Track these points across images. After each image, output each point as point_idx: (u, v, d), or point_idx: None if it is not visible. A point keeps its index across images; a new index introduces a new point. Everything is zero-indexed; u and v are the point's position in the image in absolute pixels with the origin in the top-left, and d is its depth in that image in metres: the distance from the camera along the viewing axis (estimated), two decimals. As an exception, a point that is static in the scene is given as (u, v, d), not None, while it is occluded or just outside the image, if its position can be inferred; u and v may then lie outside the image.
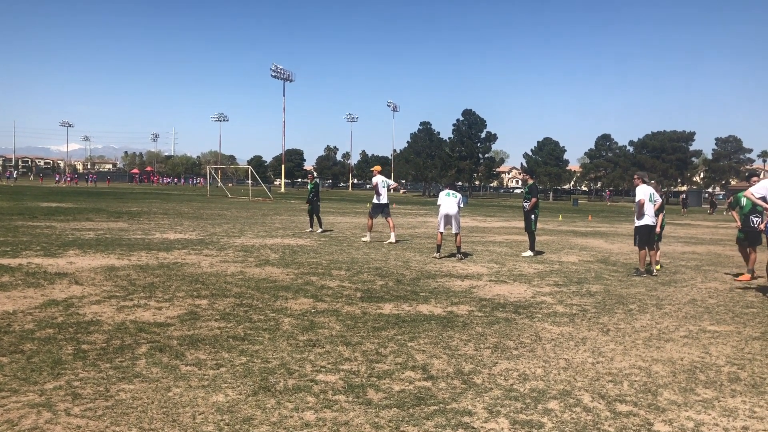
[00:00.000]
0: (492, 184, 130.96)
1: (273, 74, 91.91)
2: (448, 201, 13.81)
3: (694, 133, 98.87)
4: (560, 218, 34.96)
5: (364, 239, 16.82)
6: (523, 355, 5.83)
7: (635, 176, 12.46)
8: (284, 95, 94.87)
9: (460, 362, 5.52)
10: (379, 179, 16.92)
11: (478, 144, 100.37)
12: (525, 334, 6.61)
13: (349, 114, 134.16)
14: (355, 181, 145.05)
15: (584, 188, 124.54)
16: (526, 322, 7.26)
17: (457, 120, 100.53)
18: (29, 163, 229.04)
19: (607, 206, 75.52)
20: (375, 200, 16.90)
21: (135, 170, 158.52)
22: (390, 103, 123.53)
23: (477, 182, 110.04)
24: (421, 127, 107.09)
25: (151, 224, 20.57)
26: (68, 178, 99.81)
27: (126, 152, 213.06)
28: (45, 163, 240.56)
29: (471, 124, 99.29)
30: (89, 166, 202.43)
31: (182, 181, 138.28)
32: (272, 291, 8.68)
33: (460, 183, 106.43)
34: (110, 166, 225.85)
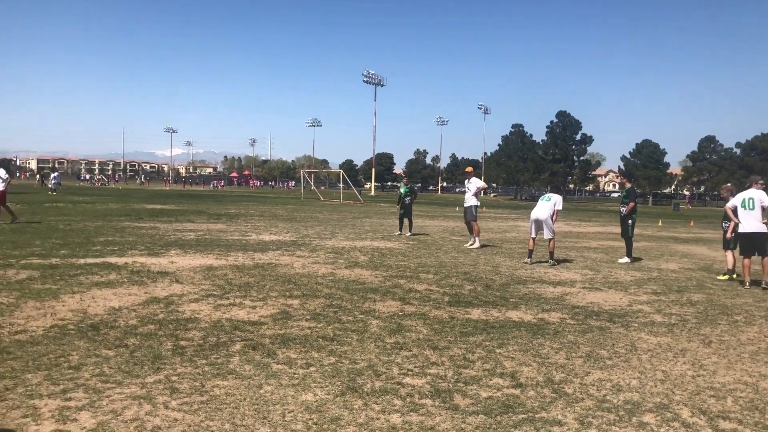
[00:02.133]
0: (587, 188, 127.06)
1: (365, 79, 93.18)
2: (541, 205, 13.46)
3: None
4: (660, 223, 33.49)
5: (472, 246, 16.20)
6: (618, 365, 5.61)
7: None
8: (375, 100, 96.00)
9: (550, 371, 5.38)
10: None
11: (573, 146, 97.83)
12: (620, 344, 6.37)
13: (440, 117, 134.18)
14: (444, 184, 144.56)
15: (686, 192, 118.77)
16: (621, 331, 6.98)
17: (551, 122, 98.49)
18: (136, 166, 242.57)
19: (687, 210, 71.63)
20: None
21: (234, 174, 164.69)
22: (481, 105, 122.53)
23: (571, 186, 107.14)
24: (512, 130, 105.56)
25: (248, 226, 21.28)
26: (168, 179, 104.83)
27: (225, 156, 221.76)
28: (150, 167, 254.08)
29: (565, 126, 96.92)
30: (191, 170, 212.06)
31: (279, 184, 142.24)
32: (361, 293, 8.77)
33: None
34: (210, 170, 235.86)
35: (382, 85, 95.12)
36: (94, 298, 7.84)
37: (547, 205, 13.35)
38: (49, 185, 49.61)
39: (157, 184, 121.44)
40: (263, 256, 12.64)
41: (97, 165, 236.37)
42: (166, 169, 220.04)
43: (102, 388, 4.55)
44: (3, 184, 18.70)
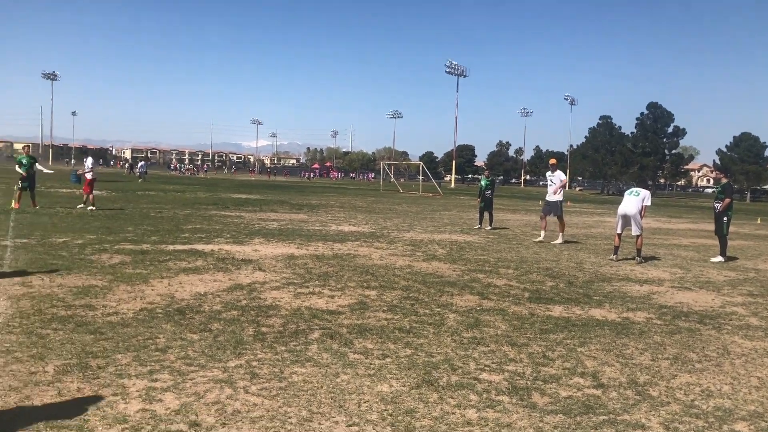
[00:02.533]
0: (679, 183, 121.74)
1: (447, 70, 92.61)
2: (629, 200, 12.91)
3: None
4: (758, 221, 31.69)
5: (555, 242, 15.87)
6: (708, 369, 5.33)
7: None
8: (457, 91, 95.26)
9: (634, 372, 5.17)
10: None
11: (664, 139, 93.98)
12: (710, 347, 6.05)
13: (524, 108, 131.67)
14: (527, 177, 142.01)
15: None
16: (713, 333, 6.64)
17: (641, 114, 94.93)
18: (224, 157, 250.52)
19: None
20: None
21: (315, 165, 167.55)
22: (567, 96, 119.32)
23: (662, 180, 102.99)
24: (600, 122, 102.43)
25: (328, 216, 21.60)
26: (266, 170, 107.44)
27: (308, 148, 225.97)
28: (237, 158, 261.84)
29: (656, 118, 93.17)
30: (276, 161, 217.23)
31: (360, 176, 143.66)
32: (438, 286, 8.73)
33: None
34: (294, 161, 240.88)
35: (465, 76, 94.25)
36: (181, 283, 8.14)
37: (636, 200, 12.80)
38: (137, 173, 52.65)
39: (243, 174, 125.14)
40: (342, 247, 12.78)
41: (186, 155, 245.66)
42: (251, 159, 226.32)
43: (186, 370, 4.71)
44: (91, 173, 19.75)
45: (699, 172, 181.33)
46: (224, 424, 3.78)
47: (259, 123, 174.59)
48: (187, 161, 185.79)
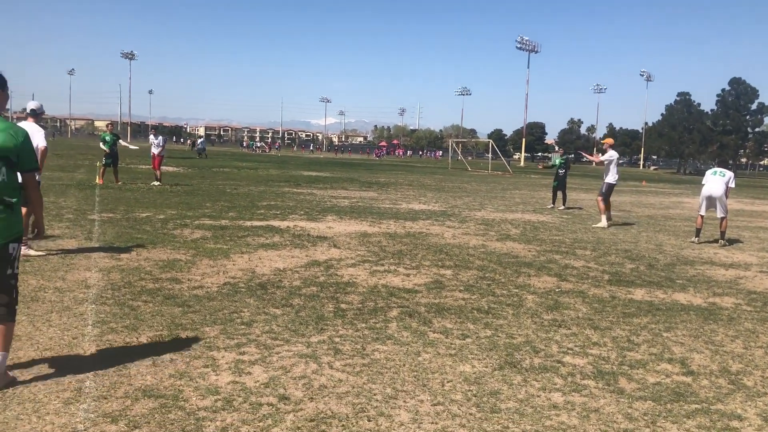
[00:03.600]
0: (762, 163, 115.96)
1: (518, 46, 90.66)
2: (714, 181, 12.33)
3: None
4: None
5: (599, 225, 14.28)
6: (807, 360, 5.08)
7: None
8: (528, 67, 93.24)
9: (725, 360, 4.98)
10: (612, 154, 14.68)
11: (747, 116, 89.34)
12: (808, 337, 5.76)
13: (597, 85, 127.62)
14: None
15: None
16: (809, 322, 6.31)
17: (722, 90, 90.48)
18: (293, 135, 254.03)
19: None
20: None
21: (383, 143, 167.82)
22: (643, 72, 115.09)
23: (743, 159, 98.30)
24: (678, 98, 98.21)
25: (398, 195, 21.63)
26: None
27: (375, 126, 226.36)
28: (306, 136, 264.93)
29: (739, 95, 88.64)
30: (344, 139, 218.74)
31: (427, 154, 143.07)
32: (514, 266, 8.62)
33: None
34: (361, 138, 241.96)
35: (537, 52, 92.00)
36: (260, 258, 8.33)
37: (721, 180, 12.22)
38: (196, 150, 54.84)
39: (309, 151, 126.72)
40: (414, 225, 12.78)
41: (258, 132, 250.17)
42: (320, 137, 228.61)
43: (272, 344, 4.82)
44: (158, 148, 20.57)
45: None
46: (312, 398, 3.86)
47: (328, 101, 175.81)
48: (258, 139, 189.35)
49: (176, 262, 7.78)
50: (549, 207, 18.89)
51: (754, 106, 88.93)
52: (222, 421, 3.49)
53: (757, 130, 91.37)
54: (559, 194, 18.95)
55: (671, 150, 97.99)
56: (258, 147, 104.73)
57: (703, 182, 12.57)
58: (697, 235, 12.44)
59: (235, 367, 4.30)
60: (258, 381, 4.09)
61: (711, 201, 12.23)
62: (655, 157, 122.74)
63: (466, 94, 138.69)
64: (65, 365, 4.18)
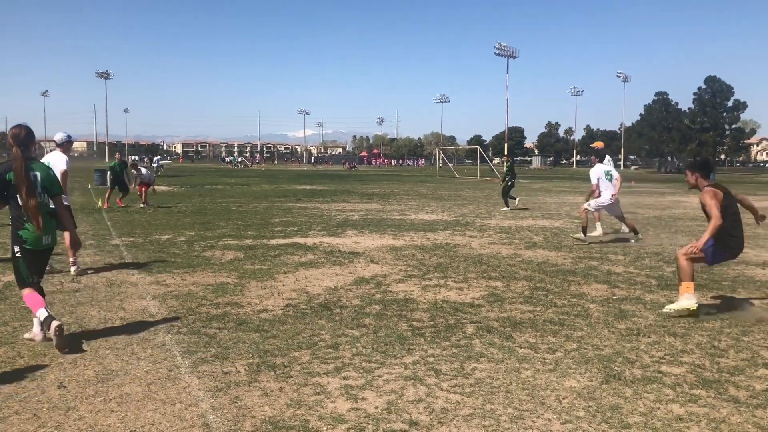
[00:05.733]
0: (739, 159, 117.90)
1: (497, 52, 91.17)
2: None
3: None
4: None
5: (594, 234, 12.75)
6: None
7: None
8: (507, 72, 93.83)
9: (818, 362, 5.01)
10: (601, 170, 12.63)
11: (724, 113, 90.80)
12: None
13: (574, 87, 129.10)
14: (579, 157, 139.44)
15: None
16: None
17: (699, 88, 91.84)
18: (272, 148, 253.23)
19: None
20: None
21: (363, 153, 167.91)
22: (620, 73, 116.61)
23: (722, 156, 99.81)
24: (656, 98, 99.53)
25: (401, 205, 21.63)
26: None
27: (354, 136, 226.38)
28: (285, 148, 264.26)
29: (715, 92, 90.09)
30: (323, 150, 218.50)
31: (408, 162, 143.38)
32: (559, 275, 8.63)
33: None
34: (341, 149, 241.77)
35: (515, 57, 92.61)
36: (306, 278, 8.25)
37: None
38: (153, 166, 50.81)
39: (289, 164, 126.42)
40: (436, 236, 12.77)
41: (236, 147, 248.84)
42: (299, 149, 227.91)
43: (369, 367, 4.76)
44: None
45: (758, 146, 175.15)
46: (441, 422, 3.81)
47: (307, 113, 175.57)
48: (236, 153, 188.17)
49: (225, 286, 7.69)
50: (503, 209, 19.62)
51: (730, 103, 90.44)
52: (365, 452, 3.43)
53: (734, 126, 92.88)
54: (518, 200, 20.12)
55: (652, 149, 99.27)
56: (240, 162, 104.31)
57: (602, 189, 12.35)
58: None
59: (347, 393, 4.24)
60: (377, 407, 4.03)
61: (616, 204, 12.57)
62: (633, 157, 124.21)
63: (445, 102, 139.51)
64: (176, 400, 4.09)
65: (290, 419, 3.82)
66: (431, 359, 4.98)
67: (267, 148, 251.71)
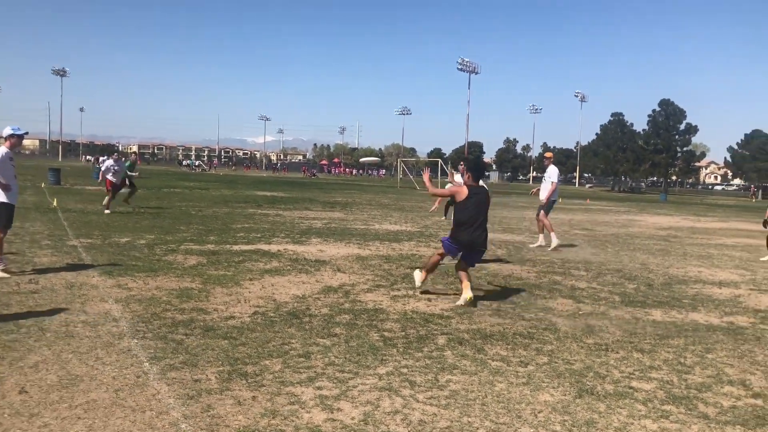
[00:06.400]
0: (689, 180, 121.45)
1: (459, 67, 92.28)
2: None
3: None
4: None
5: (553, 246, 13.40)
6: None
7: None
8: (469, 87, 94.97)
9: (780, 380, 5.15)
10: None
11: (676, 136, 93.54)
12: (838, 354, 6.02)
13: (533, 105, 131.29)
14: (536, 174, 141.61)
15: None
16: (828, 339, 6.60)
17: (653, 111, 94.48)
18: (230, 153, 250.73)
19: (752, 202, 67.16)
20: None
21: (324, 161, 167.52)
22: (578, 93, 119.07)
23: (674, 177, 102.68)
24: (612, 119, 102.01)
25: (365, 215, 21.58)
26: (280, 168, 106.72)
27: (315, 144, 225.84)
28: (243, 154, 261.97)
29: (668, 115, 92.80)
30: (283, 157, 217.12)
31: (370, 172, 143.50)
32: (527, 289, 8.70)
33: (654, 178, 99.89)
34: (301, 157, 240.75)
35: (477, 73, 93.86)
36: (273, 285, 8.14)
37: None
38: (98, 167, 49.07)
39: (252, 170, 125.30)
40: (401, 247, 12.76)
41: (193, 151, 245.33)
42: (258, 155, 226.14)
43: (343, 377, 4.70)
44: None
45: (707, 169, 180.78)
46: (419, 435, 3.77)
47: (267, 119, 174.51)
48: (194, 157, 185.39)
49: (190, 291, 7.52)
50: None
51: (682, 127, 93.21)
52: (344, 464, 3.36)
53: (685, 149, 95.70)
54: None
55: (606, 168, 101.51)
56: (197, 166, 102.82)
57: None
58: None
59: (322, 403, 4.17)
60: (354, 418, 3.97)
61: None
62: (587, 175, 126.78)
63: (407, 114, 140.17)
64: (146, 407, 3.96)
65: (265, 429, 3.73)
66: (405, 370, 4.95)
67: (225, 152, 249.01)
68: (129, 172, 19.61)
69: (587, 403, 4.43)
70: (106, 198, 17.92)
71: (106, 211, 17.21)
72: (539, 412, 4.21)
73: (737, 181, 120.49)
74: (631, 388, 4.79)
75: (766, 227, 13.66)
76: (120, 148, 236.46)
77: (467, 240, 7.63)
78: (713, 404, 4.53)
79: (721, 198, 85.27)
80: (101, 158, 58.48)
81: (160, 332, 5.67)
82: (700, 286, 9.64)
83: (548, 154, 14.71)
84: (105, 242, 11.42)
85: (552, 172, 14.04)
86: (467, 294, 7.38)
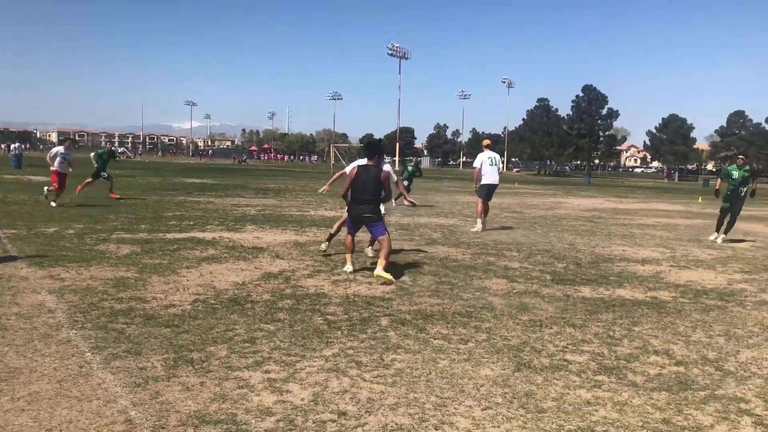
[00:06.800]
0: (611, 163, 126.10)
1: (389, 52, 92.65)
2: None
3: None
4: (699, 200, 33.28)
5: (473, 229, 14.09)
6: (762, 344, 5.74)
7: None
8: (400, 73, 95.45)
9: (699, 349, 5.52)
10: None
11: (599, 121, 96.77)
12: (749, 323, 6.49)
13: (462, 91, 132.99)
14: (465, 159, 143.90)
15: (711, 168, 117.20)
16: (741, 310, 7.11)
17: (577, 96, 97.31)
18: (155, 140, 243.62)
19: (664, 183, 71.01)
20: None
21: (253, 147, 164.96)
22: (505, 79, 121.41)
23: (597, 161, 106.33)
24: (537, 104, 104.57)
25: (299, 201, 21.51)
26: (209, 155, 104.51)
27: (244, 130, 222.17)
28: (169, 140, 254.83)
29: (591, 101, 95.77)
30: (210, 143, 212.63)
31: (300, 158, 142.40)
32: (462, 270, 8.94)
33: (578, 161, 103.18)
34: (229, 143, 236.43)
35: (407, 58, 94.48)
36: (211, 273, 8.07)
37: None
38: (12, 155, 44.83)
39: (178, 157, 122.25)
40: (340, 233, 12.80)
41: (117, 137, 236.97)
42: (184, 142, 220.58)
43: (290, 361, 4.76)
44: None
45: (627, 152, 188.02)
46: (369, 412, 3.88)
47: (194, 104, 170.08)
48: (117, 144, 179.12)
49: (126, 280, 7.38)
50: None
51: (604, 111, 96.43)
52: (298, 442, 3.44)
53: (607, 133, 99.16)
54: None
55: (533, 153, 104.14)
56: (121, 153, 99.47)
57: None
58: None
59: (271, 386, 4.22)
60: (303, 399, 4.05)
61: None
62: (515, 159, 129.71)
63: (338, 99, 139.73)
64: (92, 396, 3.92)
65: (216, 413, 3.76)
66: (351, 351, 5.05)
67: (150, 139, 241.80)
68: (102, 165, 19.19)
69: (525, 376, 4.65)
70: (47, 188, 16.63)
71: (53, 204, 15.78)
72: (481, 386, 4.40)
73: (656, 163, 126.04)
74: (565, 360, 5.05)
75: (717, 196, 14.71)
76: (38, 135, 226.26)
77: (354, 213, 8.55)
78: (641, 373, 4.83)
79: (641, 180, 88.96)
80: (12, 145, 55.58)
81: (99, 322, 5.57)
82: (624, 264, 10.13)
83: (485, 142, 15.37)
84: (31, 232, 11.00)
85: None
86: (349, 267, 8.46)
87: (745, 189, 13.64)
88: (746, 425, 3.93)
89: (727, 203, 13.69)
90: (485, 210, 14.29)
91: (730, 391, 4.49)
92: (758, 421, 3.99)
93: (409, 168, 23.83)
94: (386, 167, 9.07)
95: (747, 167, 13.86)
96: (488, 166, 14.13)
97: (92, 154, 20.06)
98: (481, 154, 14.53)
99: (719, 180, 14.68)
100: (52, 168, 16.64)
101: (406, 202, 10.63)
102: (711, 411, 4.13)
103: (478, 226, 14.09)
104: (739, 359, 5.26)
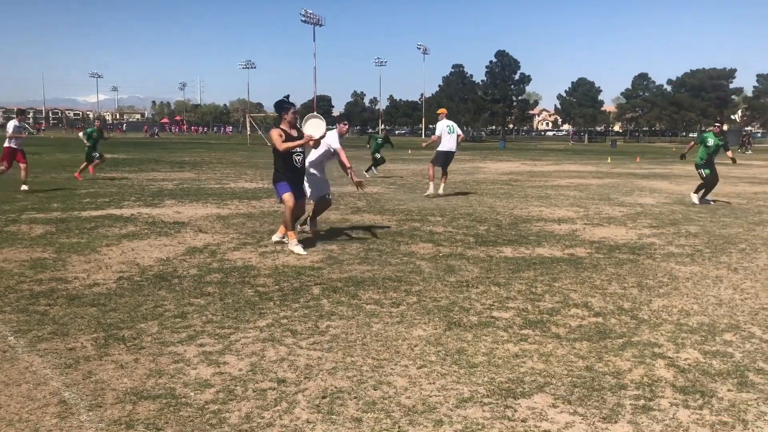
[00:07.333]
0: (524, 128, 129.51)
1: (303, 19, 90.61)
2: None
3: (735, 71, 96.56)
4: (609, 161, 34.79)
5: (426, 193, 14.97)
6: (670, 293, 6.16)
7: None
8: (314, 40, 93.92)
9: (615, 300, 5.87)
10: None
11: (512, 86, 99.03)
12: (659, 274, 6.93)
13: (378, 58, 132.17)
14: (384, 127, 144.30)
15: (618, 129, 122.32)
16: (651, 262, 7.57)
17: (490, 62, 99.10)
18: (59, 114, 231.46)
19: (570, 146, 74.37)
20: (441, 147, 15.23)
21: (165, 119, 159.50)
22: (420, 45, 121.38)
23: (510, 125, 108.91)
24: (453, 70, 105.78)
25: (217, 174, 21.10)
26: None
27: (154, 102, 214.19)
28: (74, 114, 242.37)
29: (504, 66, 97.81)
30: (118, 117, 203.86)
31: (213, 130, 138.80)
32: (389, 236, 9.07)
33: (493, 126, 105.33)
34: (139, 116, 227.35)
35: (321, 25, 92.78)
36: (133, 250, 7.87)
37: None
38: None
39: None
40: (262, 205, 12.72)
41: (15, 113, 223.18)
42: (91, 116, 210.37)
43: (223, 333, 4.75)
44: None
45: (539, 116, 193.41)
46: (307, 377, 3.95)
47: (99, 76, 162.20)
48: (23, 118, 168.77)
49: (44, 261, 7.10)
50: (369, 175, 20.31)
51: (517, 77, 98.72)
52: (240, 411, 3.47)
53: (520, 98, 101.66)
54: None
55: (450, 119, 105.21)
56: (24, 129, 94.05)
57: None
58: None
59: (207, 359, 4.22)
60: (241, 369, 4.07)
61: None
62: (432, 126, 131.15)
63: (251, 68, 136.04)
64: (20, 380, 3.80)
65: (154, 388, 3.74)
66: (285, 321, 5.08)
67: (54, 113, 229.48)
68: (93, 144, 18.31)
69: (456, 334, 4.83)
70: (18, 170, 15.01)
71: (24, 187, 14.51)
72: (415, 346, 4.54)
73: (566, 126, 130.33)
74: (492, 317, 5.27)
75: (682, 159, 15.83)
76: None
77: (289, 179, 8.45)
78: (563, 325, 5.10)
79: (553, 143, 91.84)
80: None
81: (19, 305, 5.36)
82: (542, 224, 10.55)
83: (442, 110, 16.01)
84: (-70, 216, 10.34)
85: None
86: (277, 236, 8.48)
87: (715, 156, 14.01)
88: (660, 367, 4.24)
89: (707, 169, 13.81)
90: (444, 176, 15.15)
91: (644, 338, 4.82)
92: (671, 363, 4.32)
93: (379, 140, 22.65)
94: (329, 134, 8.88)
95: (721, 136, 14.38)
96: (447, 134, 14.80)
97: (81, 134, 19.74)
98: (439, 122, 15.12)
99: (692, 143, 15.07)
100: (5, 145, 15.15)
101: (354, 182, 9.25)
102: (628, 356, 4.42)
103: (431, 189, 14.96)
104: (651, 308, 5.64)
